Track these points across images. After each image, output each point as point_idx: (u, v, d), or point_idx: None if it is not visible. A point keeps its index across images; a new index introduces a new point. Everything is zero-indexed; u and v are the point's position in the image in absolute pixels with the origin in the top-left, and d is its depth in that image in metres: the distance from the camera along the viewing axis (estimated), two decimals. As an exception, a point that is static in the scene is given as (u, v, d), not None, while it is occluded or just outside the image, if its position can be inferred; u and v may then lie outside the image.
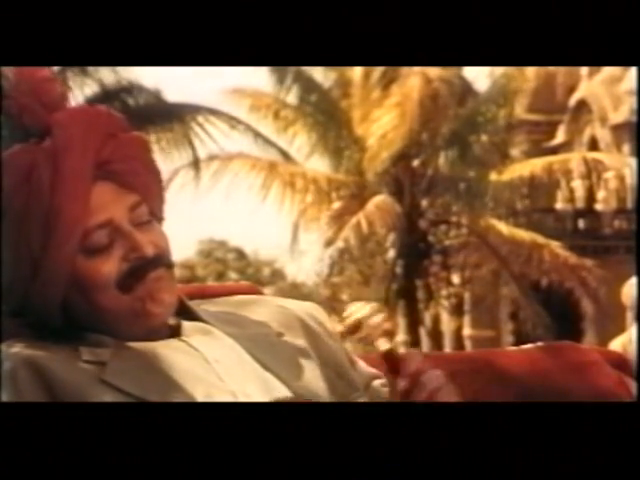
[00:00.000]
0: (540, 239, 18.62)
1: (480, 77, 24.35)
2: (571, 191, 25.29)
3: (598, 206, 25.80)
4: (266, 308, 1.64)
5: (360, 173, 17.85)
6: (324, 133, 18.09)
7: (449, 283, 19.34)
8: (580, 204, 25.90)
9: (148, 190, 1.56)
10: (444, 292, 19.20)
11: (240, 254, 42.89)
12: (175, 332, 1.55)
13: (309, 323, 1.63)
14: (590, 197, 25.59)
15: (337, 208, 17.87)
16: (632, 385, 1.93)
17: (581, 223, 25.35)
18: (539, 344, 2.05)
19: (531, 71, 18.09)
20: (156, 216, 1.57)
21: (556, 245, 18.59)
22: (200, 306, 1.62)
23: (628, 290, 5.31)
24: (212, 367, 1.50)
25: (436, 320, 22.99)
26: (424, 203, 18.04)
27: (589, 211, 25.79)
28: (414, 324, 18.48)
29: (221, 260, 42.24)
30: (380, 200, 17.06)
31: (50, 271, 1.49)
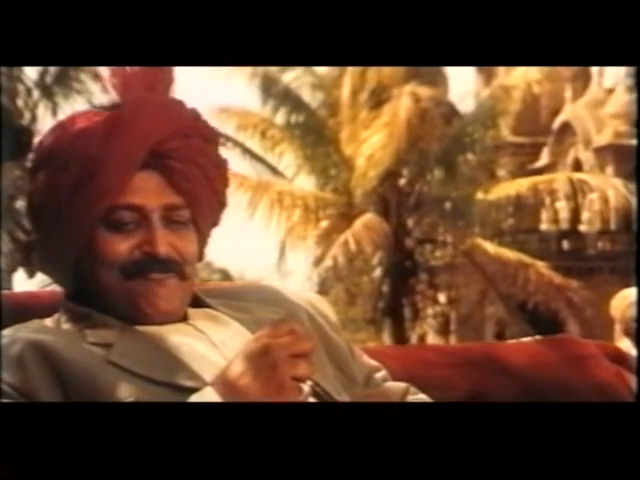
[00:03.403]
0: (526, 259, 18.62)
1: (466, 98, 24.35)
2: (555, 212, 25.31)
3: (582, 227, 25.84)
4: (271, 295, 1.65)
5: (347, 192, 17.81)
6: (311, 153, 18.06)
7: (435, 302, 19.31)
8: (564, 225, 25.92)
9: (196, 201, 1.56)
10: (430, 311, 19.16)
11: (225, 275, 42.66)
12: (181, 318, 1.56)
13: (313, 314, 1.64)
14: (574, 218, 25.62)
15: (325, 227, 17.83)
16: (630, 378, 1.96)
17: (565, 244, 25.38)
18: (537, 337, 2.08)
19: (516, 93, 18.14)
20: (199, 228, 1.57)
21: (542, 265, 18.59)
22: (206, 295, 1.63)
23: (618, 303, 5.32)
24: (219, 349, 1.51)
25: (422, 339, 22.88)
26: (410, 222, 18.02)
27: (573, 232, 25.81)
28: (400, 343, 18.42)
29: (206, 281, 42.03)
30: (368, 219, 17.03)
31: (69, 227, 1.52)
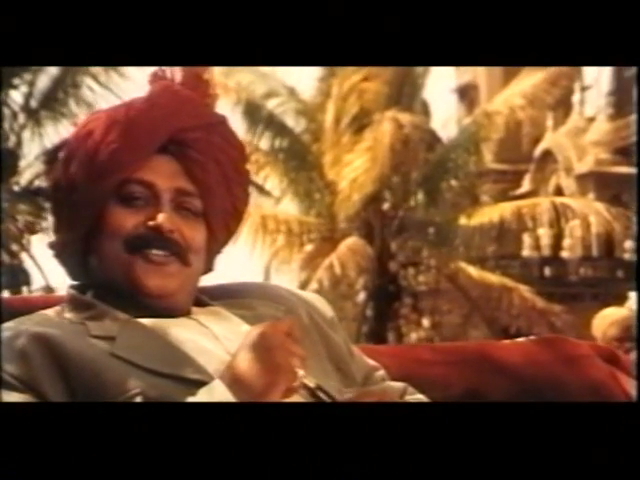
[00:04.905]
0: (509, 283, 18.63)
1: (448, 125, 24.44)
2: (536, 238, 25.38)
3: (564, 253, 25.93)
4: (272, 293, 1.67)
5: (331, 216, 17.80)
6: (295, 177, 18.05)
7: (419, 326, 19.28)
8: (546, 252, 26.00)
9: (209, 193, 1.57)
10: (414, 335, 19.11)
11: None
12: (185, 312, 1.58)
13: (312, 312, 1.66)
14: (556, 244, 25.71)
15: (309, 251, 17.80)
16: (624, 379, 1.97)
17: (547, 270, 25.45)
18: (532, 337, 2.09)
19: (499, 118, 18.20)
20: (210, 225, 1.59)
21: (525, 289, 18.60)
22: (207, 295, 1.64)
23: (599, 322, 5.35)
24: (222, 343, 1.52)
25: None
26: (394, 246, 18.01)
27: (555, 258, 25.89)
28: (384, 367, 18.28)
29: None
30: (352, 242, 17.00)
31: (82, 197, 1.55)
